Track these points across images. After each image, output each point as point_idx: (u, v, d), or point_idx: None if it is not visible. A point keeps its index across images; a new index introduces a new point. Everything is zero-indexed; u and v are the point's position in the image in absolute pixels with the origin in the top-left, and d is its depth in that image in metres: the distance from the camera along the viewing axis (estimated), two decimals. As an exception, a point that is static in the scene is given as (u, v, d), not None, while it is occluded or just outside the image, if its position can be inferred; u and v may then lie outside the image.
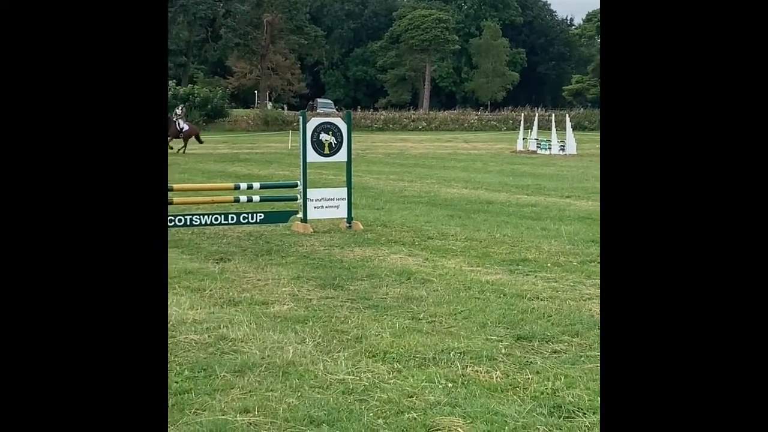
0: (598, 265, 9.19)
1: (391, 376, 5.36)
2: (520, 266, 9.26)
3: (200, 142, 34.48)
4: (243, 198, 12.69)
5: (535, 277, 8.68)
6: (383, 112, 73.51)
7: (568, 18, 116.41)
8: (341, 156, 12.47)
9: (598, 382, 5.20)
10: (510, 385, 5.18)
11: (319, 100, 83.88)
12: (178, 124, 32.42)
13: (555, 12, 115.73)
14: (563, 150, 34.82)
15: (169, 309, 6.83)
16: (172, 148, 30.27)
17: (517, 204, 15.69)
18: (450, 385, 5.18)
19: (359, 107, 77.18)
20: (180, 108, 35.10)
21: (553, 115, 44.50)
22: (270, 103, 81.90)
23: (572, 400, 4.92)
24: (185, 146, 32.53)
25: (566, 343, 6.12)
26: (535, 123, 38.45)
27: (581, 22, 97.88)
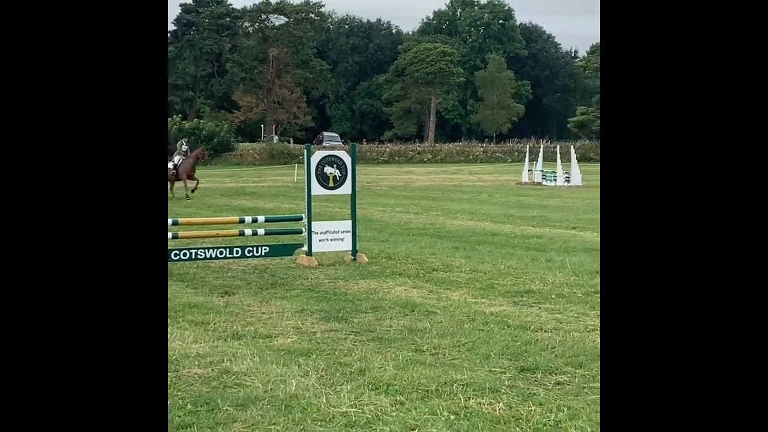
0: (603, 296, 9.19)
1: (393, 408, 5.35)
2: (524, 298, 9.25)
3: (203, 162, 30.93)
4: (248, 231, 12.70)
5: (539, 308, 8.67)
6: (389, 144, 73.60)
7: (572, 50, 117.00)
8: (346, 189, 12.51)
9: (601, 413, 5.19)
10: (513, 417, 5.17)
11: (325, 133, 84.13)
12: (171, 162, 27.38)
13: (559, 44, 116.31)
14: (568, 181, 34.82)
15: (172, 343, 6.84)
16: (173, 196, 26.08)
17: (522, 235, 15.69)
18: (453, 417, 5.16)
19: (365, 140, 77.43)
20: (185, 141, 30.51)
21: (558, 146, 44.55)
22: (276, 137, 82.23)
23: (575, 431, 4.90)
24: (177, 186, 27.81)
25: (569, 375, 6.11)
26: (540, 155, 38.53)
27: (585, 54, 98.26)
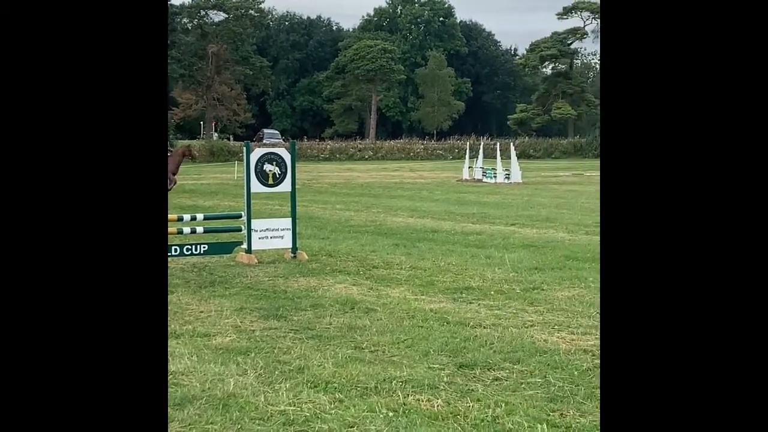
0: (541, 292, 9.29)
1: (332, 406, 5.34)
2: (463, 294, 9.30)
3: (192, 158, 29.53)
4: (186, 229, 12.59)
5: (479, 305, 8.72)
6: (330, 141, 73.63)
7: (512, 48, 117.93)
8: (286, 186, 12.46)
9: (538, 408, 5.24)
10: (451, 414, 5.19)
11: (265, 130, 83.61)
12: None
13: (499, 42, 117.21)
14: (508, 178, 35.08)
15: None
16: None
17: (462, 232, 15.77)
18: (391, 414, 5.17)
19: (306, 137, 77.22)
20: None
21: (499, 143, 44.83)
22: (216, 134, 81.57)
23: (512, 427, 4.94)
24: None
25: (507, 371, 6.15)
26: (481, 152, 38.78)
27: (525, 52, 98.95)
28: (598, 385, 5.51)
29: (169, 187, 26.33)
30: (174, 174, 26.76)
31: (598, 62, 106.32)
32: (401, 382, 5.82)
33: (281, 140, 72.06)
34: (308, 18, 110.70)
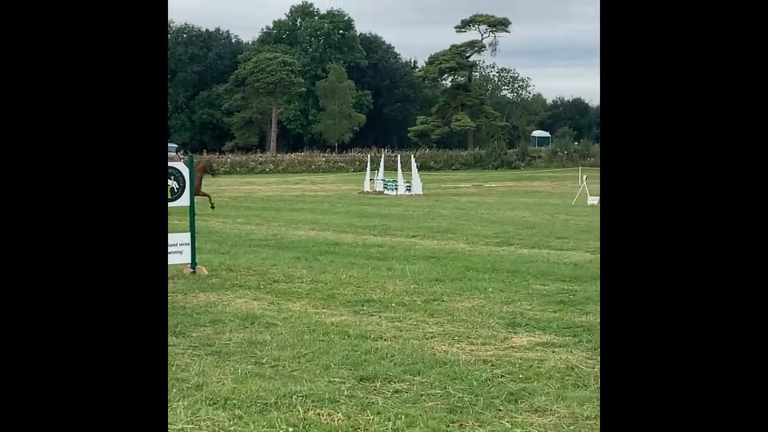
0: (441, 304, 9.35)
1: (231, 423, 5.28)
2: (365, 307, 9.31)
3: (212, 173, 28.90)
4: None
5: (380, 317, 8.73)
6: (230, 155, 72.96)
7: (412, 60, 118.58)
8: (184, 201, 12.32)
9: (438, 420, 5.27)
10: (351, 427, 5.18)
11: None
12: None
13: (399, 55, 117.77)
14: (409, 190, 35.33)
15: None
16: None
17: (363, 245, 15.79)
18: (291, 429, 5.14)
19: (205, 150, 76.40)
20: (177, 153, 27.52)
21: (399, 155, 45.15)
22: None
23: (413, 438, 4.95)
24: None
25: (408, 383, 6.17)
26: (382, 164, 38.99)
27: (424, 65, 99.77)
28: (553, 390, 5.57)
29: (211, 203, 25.30)
30: (198, 190, 25.86)
31: (496, 74, 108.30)
32: (302, 396, 5.79)
33: (177, 154, 70.94)
34: (207, 30, 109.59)
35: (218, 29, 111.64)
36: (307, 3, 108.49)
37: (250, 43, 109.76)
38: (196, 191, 24.98)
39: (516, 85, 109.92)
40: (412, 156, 44.68)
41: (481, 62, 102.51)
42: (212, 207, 25.16)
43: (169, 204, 12.31)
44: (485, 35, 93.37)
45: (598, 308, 9.09)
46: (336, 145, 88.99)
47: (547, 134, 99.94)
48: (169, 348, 7.34)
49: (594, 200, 27.17)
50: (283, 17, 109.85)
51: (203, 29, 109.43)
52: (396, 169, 37.22)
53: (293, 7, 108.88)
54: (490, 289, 10.20)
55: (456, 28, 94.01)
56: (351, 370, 6.54)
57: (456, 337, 7.66)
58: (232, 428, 5.17)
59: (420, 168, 41.18)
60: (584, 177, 30.55)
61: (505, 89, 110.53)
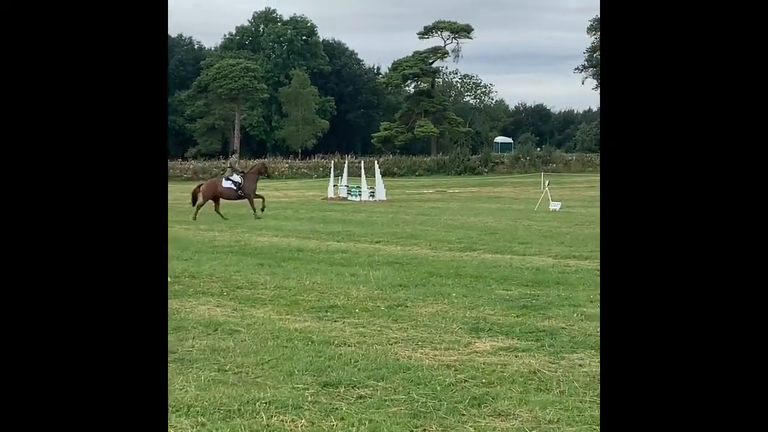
0: (405, 309, 9.37)
1: (194, 430, 5.26)
2: (328, 313, 9.30)
3: (267, 175, 29.76)
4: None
5: (344, 323, 8.73)
6: (193, 161, 72.67)
7: (375, 67, 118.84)
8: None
9: (401, 425, 5.28)
10: (315, 433, 5.18)
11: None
12: (229, 181, 26.35)
13: (362, 61, 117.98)
14: (373, 196, 35.38)
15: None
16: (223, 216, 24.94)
17: (327, 251, 15.78)
18: (255, 436, 5.12)
19: (168, 157, 76.02)
20: (233, 156, 29.06)
21: (363, 161, 45.20)
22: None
23: (376, 444, 4.96)
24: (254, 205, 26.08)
25: (372, 388, 6.17)
26: (345, 170, 38.99)
27: (387, 71, 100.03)
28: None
29: (263, 205, 25.83)
30: (254, 192, 26.11)
31: (459, 81, 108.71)
32: (265, 403, 5.78)
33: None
34: (169, 36, 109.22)
35: (180, 35, 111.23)
36: (269, 9, 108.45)
37: (213, 49, 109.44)
38: (251, 194, 25.87)
39: (479, 92, 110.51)
40: (376, 162, 44.72)
41: (444, 68, 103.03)
42: (262, 209, 25.68)
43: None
44: (448, 42, 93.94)
45: (560, 313, 9.14)
46: (299, 151, 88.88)
47: (509, 140, 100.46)
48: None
49: (556, 205, 27.36)
50: (246, 23, 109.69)
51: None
52: (360, 175, 37.26)
53: (256, 13, 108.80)
54: (454, 295, 10.24)
55: (419, 34, 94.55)
56: (315, 376, 6.53)
57: (419, 343, 7.68)
58: (195, 435, 5.15)
59: (383, 174, 41.26)
60: (546, 182, 30.74)
61: (467, 95, 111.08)
